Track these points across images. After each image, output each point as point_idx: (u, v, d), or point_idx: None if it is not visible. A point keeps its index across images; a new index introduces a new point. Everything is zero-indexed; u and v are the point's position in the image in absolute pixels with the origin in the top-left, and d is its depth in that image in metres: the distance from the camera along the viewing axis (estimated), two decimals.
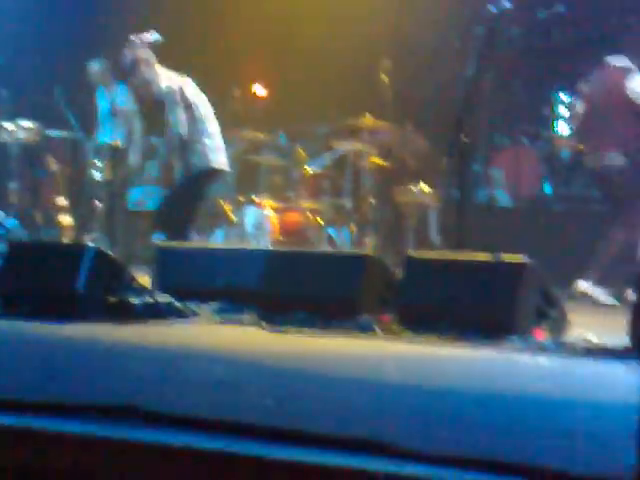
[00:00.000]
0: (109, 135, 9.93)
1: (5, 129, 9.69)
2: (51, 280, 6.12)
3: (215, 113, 8.71)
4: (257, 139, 9.89)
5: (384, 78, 9.29)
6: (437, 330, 5.35)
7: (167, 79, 8.18)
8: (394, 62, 9.38)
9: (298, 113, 10.72)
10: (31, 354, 4.62)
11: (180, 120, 8.04)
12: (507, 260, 5.47)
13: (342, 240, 9.35)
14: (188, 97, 8.15)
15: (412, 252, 6.64)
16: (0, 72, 9.51)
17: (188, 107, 8.10)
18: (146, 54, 8.09)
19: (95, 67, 10.20)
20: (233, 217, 9.40)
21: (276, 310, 6.06)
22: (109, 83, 10.17)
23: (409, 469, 2.56)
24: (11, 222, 8.40)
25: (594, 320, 6.03)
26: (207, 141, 8.18)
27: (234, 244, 8.85)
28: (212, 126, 8.30)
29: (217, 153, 8.26)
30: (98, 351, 4.86)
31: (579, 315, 5.80)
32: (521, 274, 5.38)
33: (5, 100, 9.77)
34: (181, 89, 8.17)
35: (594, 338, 5.24)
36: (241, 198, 9.67)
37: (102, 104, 10.23)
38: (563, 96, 10.08)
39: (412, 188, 9.22)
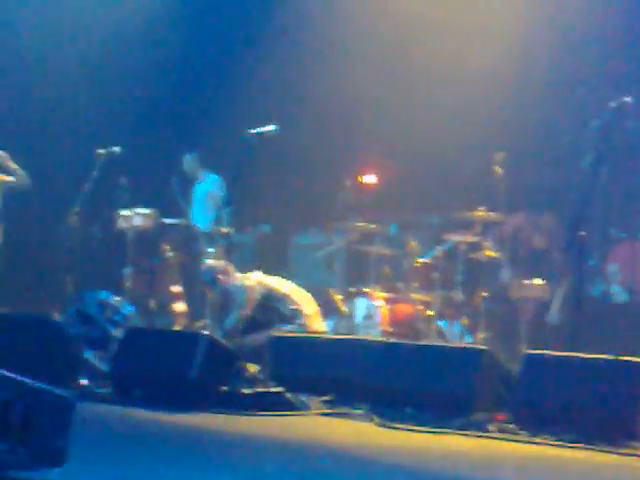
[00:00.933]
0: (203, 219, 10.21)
1: (123, 216, 9.93)
2: (165, 367, 6.17)
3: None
4: (368, 229, 9.90)
5: (498, 170, 9.23)
6: (555, 432, 5.18)
7: None
8: (509, 154, 9.32)
9: (410, 203, 10.72)
10: (141, 440, 4.63)
11: None
12: (629, 359, 5.29)
13: (452, 333, 9.22)
14: None
15: (530, 349, 6.48)
16: (120, 161, 9.76)
17: None
18: None
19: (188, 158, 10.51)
20: (344, 307, 9.38)
21: (387, 404, 5.98)
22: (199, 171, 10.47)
23: None
24: (128, 308, 8.55)
25: None
26: None
27: (345, 335, 8.80)
28: None
29: None
30: (208, 441, 4.85)
31: None
32: None
33: (124, 189, 10.02)
34: None
35: None
36: (352, 289, 9.65)
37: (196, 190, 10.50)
38: None
39: (527, 281, 9.06)
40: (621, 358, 5.28)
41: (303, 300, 8.53)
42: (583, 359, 5.49)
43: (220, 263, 8.65)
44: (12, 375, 3.65)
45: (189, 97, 12.10)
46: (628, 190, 10.60)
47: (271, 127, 7.94)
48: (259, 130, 7.91)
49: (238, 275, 8.68)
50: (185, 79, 12.22)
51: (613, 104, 6.45)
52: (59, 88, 11.59)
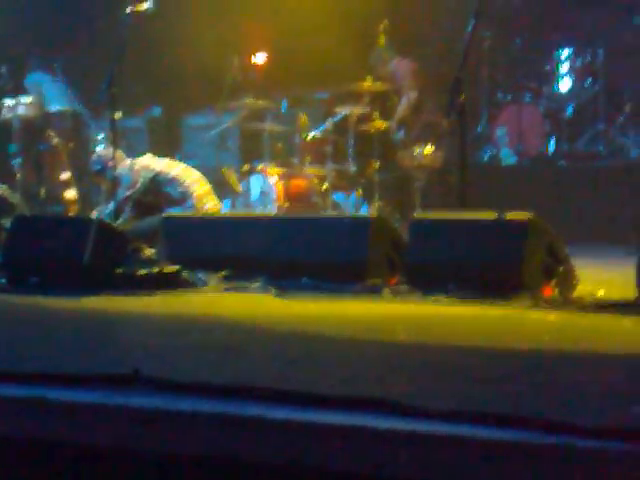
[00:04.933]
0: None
1: (6, 106, 9.68)
2: (57, 253, 6.13)
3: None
4: (258, 107, 9.84)
5: (381, 40, 9.24)
6: (445, 290, 5.34)
7: None
8: (392, 23, 9.31)
9: (299, 79, 10.67)
10: (38, 326, 4.64)
11: None
12: (512, 217, 5.45)
13: (348, 205, 9.33)
14: None
15: (417, 214, 6.62)
16: None
17: None
18: None
19: None
20: (239, 186, 9.39)
21: (284, 276, 6.07)
22: None
23: (420, 426, 2.56)
24: (15, 196, 8.40)
25: (604, 276, 6.02)
26: None
27: (240, 212, 8.84)
28: None
29: None
30: (103, 321, 4.88)
31: (588, 270, 5.79)
32: (527, 231, 5.37)
33: (5, 77, 9.74)
34: None
35: (602, 293, 5.23)
36: (245, 167, 9.65)
37: None
38: (564, 51, 10.00)
39: (416, 150, 9.18)
40: (503, 215, 5.43)
41: (193, 181, 8.52)
42: (468, 219, 5.64)
43: (109, 151, 8.53)
44: None
45: None
46: (511, 53, 10.74)
47: (148, 3, 7.76)
48: (135, 7, 7.72)
49: (128, 161, 8.59)
50: None
51: None
52: None
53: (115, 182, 8.18)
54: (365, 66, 9.61)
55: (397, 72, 9.57)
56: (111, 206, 8.08)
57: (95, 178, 8.98)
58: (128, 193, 8.35)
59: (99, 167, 8.58)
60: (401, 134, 9.46)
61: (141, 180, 8.37)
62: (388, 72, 9.57)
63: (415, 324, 4.67)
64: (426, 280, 5.54)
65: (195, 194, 8.42)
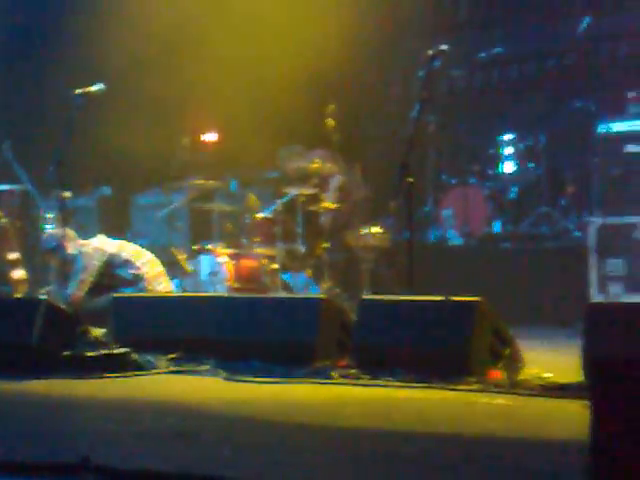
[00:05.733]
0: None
1: None
2: (4, 334, 6.08)
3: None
4: (208, 186, 9.92)
5: (330, 122, 9.40)
6: (393, 373, 5.38)
7: None
8: (340, 106, 9.49)
9: (248, 160, 10.78)
10: None
11: None
12: (459, 300, 5.53)
13: (297, 285, 9.38)
14: None
15: (365, 295, 6.68)
16: None
17: None
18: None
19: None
20: (188, 266, 9.41)
21: (233, 358, 6.07)
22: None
23: None
24: None
25: (549, 358, 6.10)
26: None
27: (190, 293, 8.83)
28: None
29: None
30: (52, 406, 4.83)
31: (534, 353, 5.87)
32: (473, 313, 5.45)
33: None
34: None
35: (549, 376, 5.29)
36: (195, 246, 9.68)
37: None
38: (507, 135, 10.25)
39: (364, 231, 9.29)
40: (450, 298, 5.51)
41: (146, 262, 8.52)
42: (415, 301, 5.72)
43: (61, 230, 8.53)
44: None
45: (13, 58, 11.77)
46: (455, 137, 10.97)
47: (98, 86, 7.83)
48: (86, 89, 7.79)
49: (79, 241, 8.58)
50: (9, 41, 11.88)
51: (431, 52, 6.65)
52: None
53: (67, 262, 8.19)
54: (313, 147, 9.77)
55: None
56: (71, 287, 8.10)
57: (47, 256, 8.93)
58: (83, 277, 8.32)
59: (52, 245, 8.55)
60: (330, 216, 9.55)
61: (94, 262, 8.36)
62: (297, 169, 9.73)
63: (358, 409, 4.69)
64: (374, 362, 5.58)
65: (147, 276, 8.41)
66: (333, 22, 10.31)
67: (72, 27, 11.10)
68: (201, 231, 10.41)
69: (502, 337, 5.54)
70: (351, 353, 5.86)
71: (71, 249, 8.42)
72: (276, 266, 9.29)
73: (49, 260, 8.92)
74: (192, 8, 10.90)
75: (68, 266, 8.45)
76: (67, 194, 8.04)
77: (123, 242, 8.77)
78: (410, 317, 5.63)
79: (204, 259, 9.47)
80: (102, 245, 8.53)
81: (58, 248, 8.39)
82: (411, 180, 6.16)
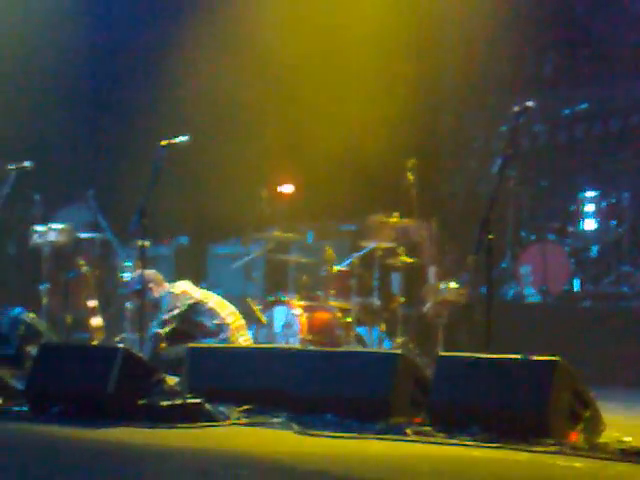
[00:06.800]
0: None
1: (38, 232, 9.83)
2: (81, 382, 6.13)
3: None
4: (285, 238, 9.96)
5: (410, 177, 9.37)
6: (469, 432, 5.29)
7: None
8: (420, 161, 9.47)
9: (325, 212, 10.81)
10: (53, 461, 4.59)
11: None
12: (537, 359, 5.42)
13: (371, 339, 9.32)
14: None
15: (443, 352, 6.59)
16: (32, 177, 9.66)
17: None
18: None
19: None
20: (263, 317, 9.42)
21: (307, 411, 6.03)
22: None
23: None
24: (42, 324, 8.45)
25: (630, 422, 5.93)
26: None
27: (263, 344, 8.83)
28: None
29: None
30: (126, 456, 4.83)
31: (615, 415, 5.72)
32: (553, 373, 5.33)
33: (38, 204, 9.92)
34: None
35: (629, 440, 5.14)
36: (270, 298, 9.70)
37: None
38: (589, 192, 10.11)
39: (441, 286, 9.21)
40: (529, 357, 5.41)
41: (228, 314, 8.49)
42: (493, 359, 5.62)
43: (151, 272, 8.58)
44: None
45: (100, 108, 12.03)
46: (536, 193, 10.86)
47: (183, 138, 7.93)
48: (171, 140, 7.89)
49: (166, 285, 8.61)
50: (96, 91, 12.15)
51: (516, 108, 6.60)
52: None
53: (152, 304, 8.23)
54: (392, 200, 9.75)
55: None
56: (154, 328, 8.13)
57: (133, 297, 8.94)
58: (166, 317, 8.32)
59: (137, 287, 8.51)
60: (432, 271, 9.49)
61: (180, 305, 8.36)
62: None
63: (434, 468, 4.60)
64: (450, 420, 5.49)
65: (230, 327, 8.38)
66: (415, 76, 10.35)
67: (160, 80, 11.32)
68: (276, 282, 10.43)
69: (582, 398, 5.41)
70: (426, 410, 5.77)
71: (157, 292, 8.44)
72: (350, 319, 9.25)
73: (136, 301, 8.83)
74: (273, 65, 11.04)
75: (152, 308, 8.47)
76: (146, 243, 8.11)
77: (208, 291, 8.76)
78: (488, 375, 5.54)
79: (278, 310, 9.48)
80: (189, 291, 8.53)
81: (143, 291, 8.38)
82: (491, 237, 6.09)
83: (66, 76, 11.74)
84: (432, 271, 9.45)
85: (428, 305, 9.26)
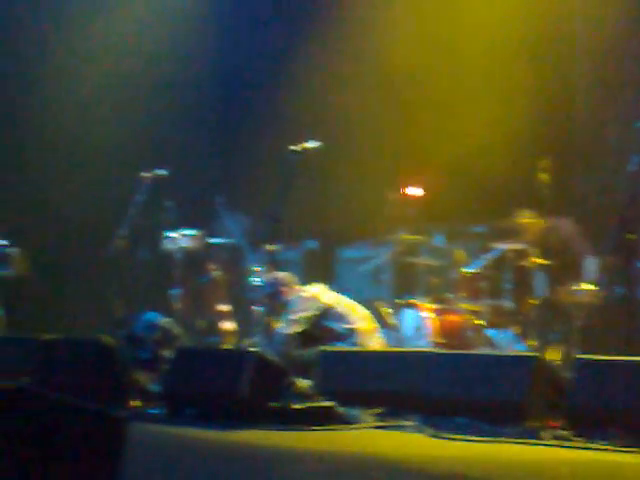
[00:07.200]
0: None
1: (170, 238, 10.02)
2: (215, 385, 6.20)
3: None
4: (414, 241, 9.88)
5: (544, 177, 9.15)
6: (610, 437, 5.12)
7: None
8: (553, 160, 9.24)
9: (455, 214, 10.67)
10: (194, 459, 4.65)
11: None
12: None
13: (503, 342, 9.14)
14: None
15: (581, 355, 6.40)
16: (165, 184, 9.85)
17: None
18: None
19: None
20: (392, 320, 9.36)
21: (439, 414, 5.95)
22: None
23: None
24: (177, 329, 8.59)
25: None
26: None
27: (394, 348, 8.76)
28: None
29: None
30: (260, 457, 4.85)
31: None
32: None
33: (170, 211, 10.11)
34: None
35: None
36: (399, 301, 9.62)
37: None
38: None
39: (575, 287, 8.97)
40: None
41: (360, 318, 8.42)
42: (635, 362, 5.43)
43: (284, 275, 8.61)
44: (67, 397, 3.68)
45: (231, 116, 12.20)
46: None
47: (314, 144, 7.93)
48: (302, 147, 7.89)
49: (298, 287, 8.62)
50: (228, 99, 12.32)
51: None
52: (105, 113, 11.75)
53: (286, 308, 8.28)
54: (523, 200, 9.54)
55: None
56: (282, 326, 8.16)
57: (265, 300, 8.97)
58: (294, 317, 8.32)
59: (270, 290, 8.54)
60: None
61: (309, 309, 8.35)
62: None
63: (574, 473, 4.47)
64: (589, 424, 5.33)
65: (360, 332, 8.31)
66: (547, 74, 10.13)
67: (290, 85, 11.41)
68: (405, 285, 10.34)
69: None
70: (563, 414, 5.62)
71: (289, 295, 8.46)
72: (481, 322, 9.10)
73: (268, 304, 8.85)
74: (400, 70, 10.98)
75: (282, 310, 8.49)
76: (275, 247, 8.15)
77: (340, 295, 8.70)
78: (628, 378, 5.35)
79: (408, 313, 9.40)
80: (320, 295, 8.52)
81: (276, 294, 8.40)
82: (632, 237, 5.88)
83: (198, 85, 11.95)
84: (577, 271, 9.20)
85: (564, 307, 9.03)
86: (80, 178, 11.59)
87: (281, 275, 8.54)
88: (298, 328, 8.26)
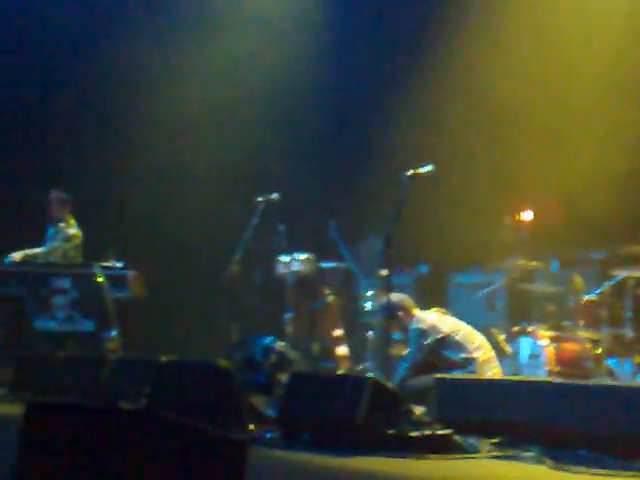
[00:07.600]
0: None
1: (282, 262, 10.09)
2: (331, 411, 6.17)
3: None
4: (529, 267, 9.71)
5: None
6: None
7: None
8: None
9: (571, 240, 10.46)
10: None
11: None
12: None
13: (623, 372, 8.89)
14: None
15: None
16: (277, 208, 9.92)
17: None
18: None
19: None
20: (507, 347, 9.19)
21: (559, 446, 5.80)
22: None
23: None
24: (292, 353, 8.61)
25: None
26: None
27: (512, 376, 8.59)
28: None
29: None
30: None
31: None
32: None
33: (282, 235, 10.17)
34: None
35: None
36: (515, 328, 9.46)
37: None
38: None
39: None
40: None
41: (477, 347, 8.25)
42: None
43: (401, 297, 8.50)
44: (187, 421, 3.70)
45: (343, 141, 12.25)
46: None
47: (428, 167, 7.87)
48: (416, 171, 7.85)
49: (416, 313, 8.52)
50: (338, 124, 12.37)
51: None
52: (221, 137, 11.94)
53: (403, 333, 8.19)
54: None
55: None
56: (402, 367, 8.08)
57: (382, 324, 8.85)
58: (415, 360, 8.19)
59: (386, 314, 8.24)
60: None
61: (427, 343, 8.21)
62: None
63: None
64: None
65: (477, 361, 8.14)
66: None
67: (403, 110, 11.40)
68: (520, 312, 10.16)
69: None
70: None
71: (406, 320, 8.35)
72: (601, 351, 8.87)
73: (386, 326, 8.68)
74: (518, 104, 10.86)
75: (400, 331, 8.39)
76: (387, 272, 8.08)
77: (458, 322, 8.50)
78: None
79: (524, 341, 9.23)
80: (438, 323, 8.34)
81: (393, 317, 8.25)
82: None
83: (313, 109, 12.03)
84: None
85: None
86: (195, 204, 11.78)
87: (399, 298, 8.44)
88: (417, 357, 8.16)
